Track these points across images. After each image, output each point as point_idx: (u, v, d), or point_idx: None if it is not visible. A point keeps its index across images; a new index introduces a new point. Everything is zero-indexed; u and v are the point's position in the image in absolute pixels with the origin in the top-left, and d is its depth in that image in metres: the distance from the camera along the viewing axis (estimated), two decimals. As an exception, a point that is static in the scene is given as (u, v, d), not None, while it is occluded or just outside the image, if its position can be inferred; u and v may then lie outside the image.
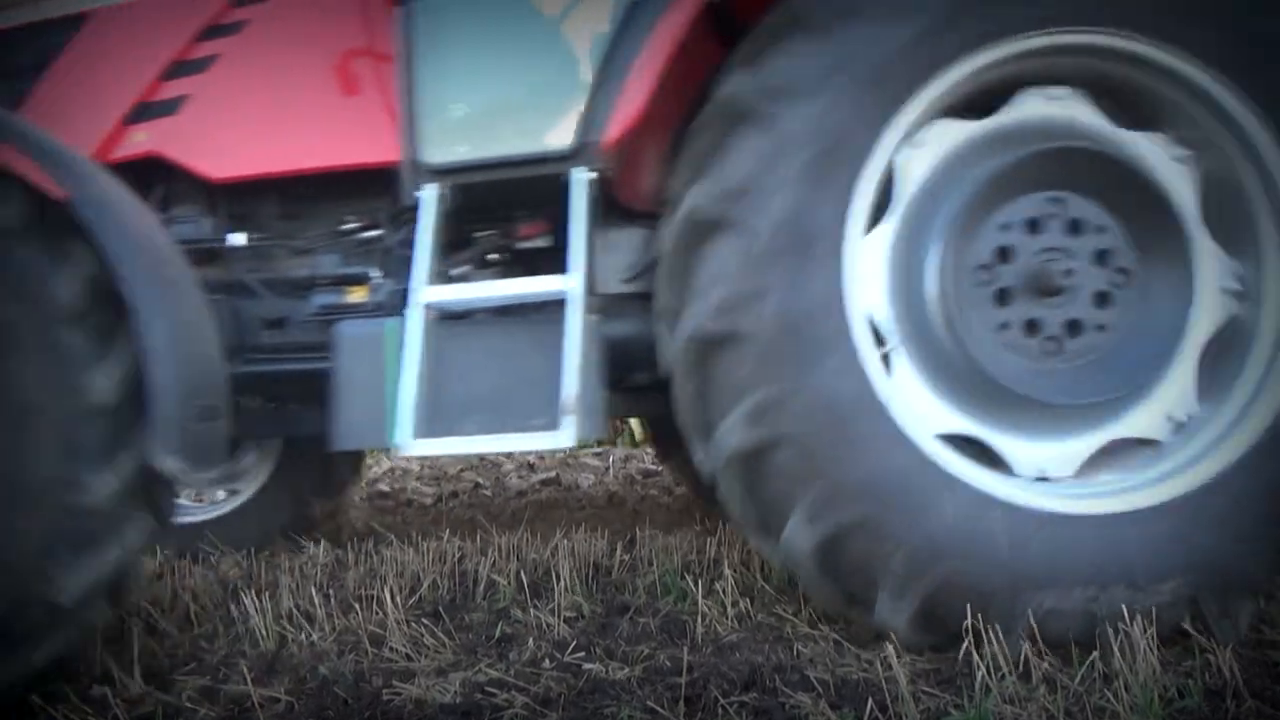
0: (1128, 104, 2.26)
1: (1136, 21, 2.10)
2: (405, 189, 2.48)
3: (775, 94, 2.09)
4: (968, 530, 2.04)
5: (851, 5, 2.10)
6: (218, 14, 2.70)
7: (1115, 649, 1.96)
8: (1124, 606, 2.03)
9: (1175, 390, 2.22)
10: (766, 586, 2.66)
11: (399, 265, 2.60)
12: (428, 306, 2.33)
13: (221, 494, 3.84)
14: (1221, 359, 2.23)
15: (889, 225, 2.22)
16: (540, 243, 2.69)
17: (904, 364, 2.21)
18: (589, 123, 2.35)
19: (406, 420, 2.23)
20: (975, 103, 2.26)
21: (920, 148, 2.22)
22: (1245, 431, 2.14)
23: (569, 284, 2.28)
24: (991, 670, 1.94)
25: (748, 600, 2.51)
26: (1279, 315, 2.16)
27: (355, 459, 4.22)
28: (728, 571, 2.65)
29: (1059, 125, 2.23)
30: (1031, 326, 2.14)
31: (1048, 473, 2.22)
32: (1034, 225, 2.14)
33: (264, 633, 2.42)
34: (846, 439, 2.04)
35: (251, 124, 2.63)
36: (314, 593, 2.63)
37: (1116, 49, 2.14)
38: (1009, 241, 2.14)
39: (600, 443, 6.41)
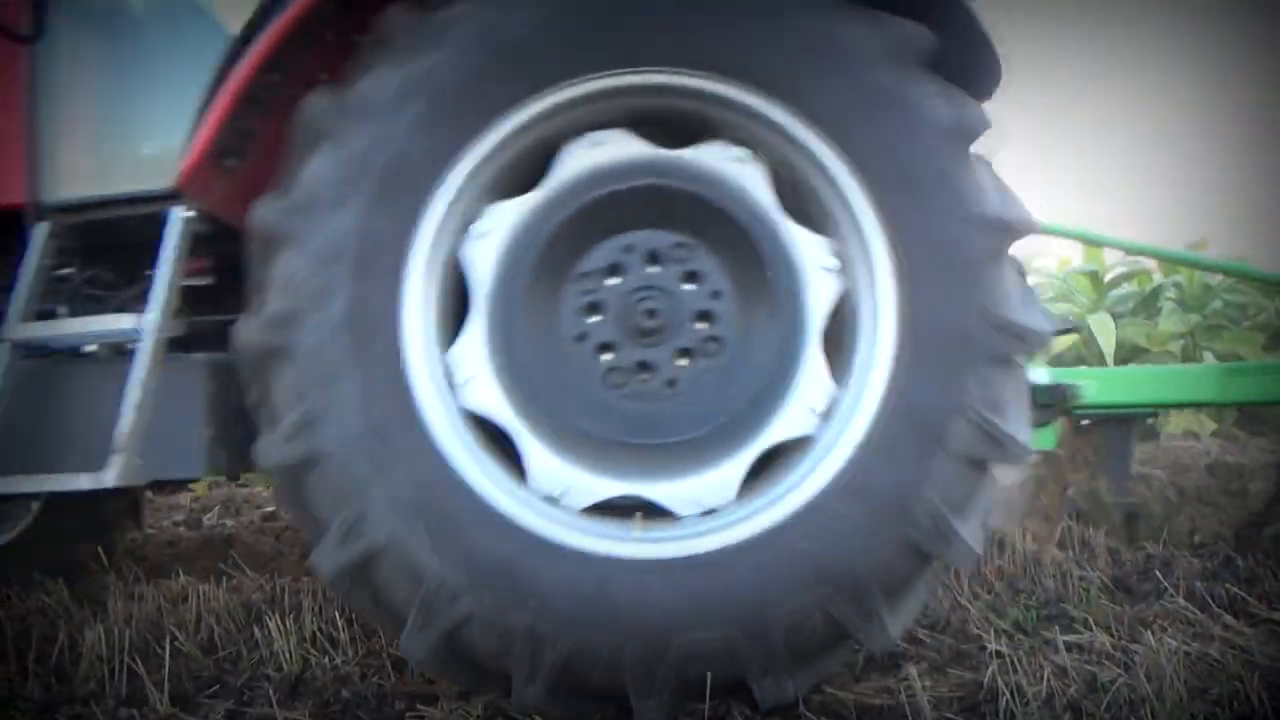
0: (676, 130, 2.14)
1: (680, 58, 1.99)
2: (27, 227, 2.51)
3: (304, 210, 1.96)
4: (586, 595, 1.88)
5: (361, 106, 1.97)
6: None
7: (1142, 674, 1.95)
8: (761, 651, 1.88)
9: (812, 380, 2.03)
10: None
11: (85, 303, 2.63)
12: (14, 343, 2.39)
13: None
14: (841, 339, 2.08)
15: (475, 327, 2.04)
16: (204, 280, 2.70)
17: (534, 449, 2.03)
18: (182, 160, 2.35)
19: None
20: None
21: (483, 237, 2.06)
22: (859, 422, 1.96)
23: (143, 323, 2.29)
24: (1015, 696, 1.93)
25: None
26: (871, 284, 2.00)
27: (133, 502, 3.95)
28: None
29: (612, 167, 2.09)
30: (645, 369, 2.07)
31: (708, 506, 2.02)
32: (615, 269, 2.08)
33: (287, 656, 2.43)
34: (443, 536, 1.89)
35: None
36: (337, 616, 2.64)
37: (659, 85, 2.03)
38: (598, 299, 2.08)
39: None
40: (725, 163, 2.06)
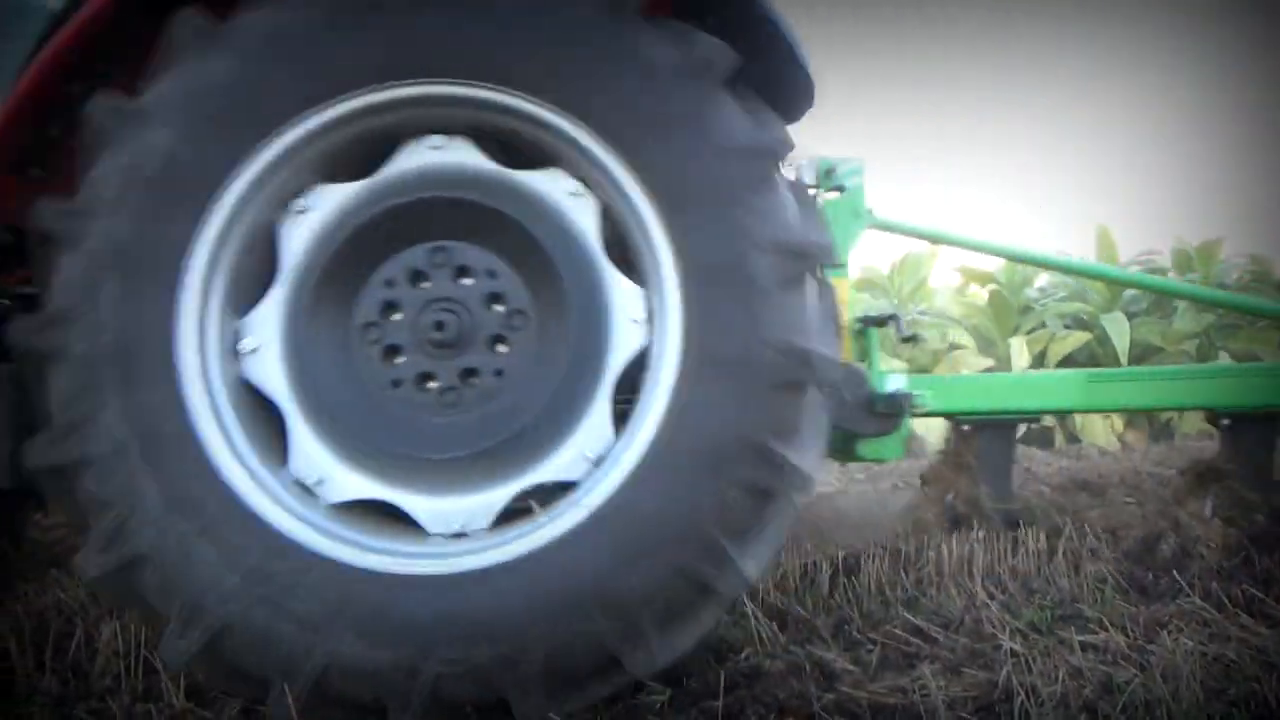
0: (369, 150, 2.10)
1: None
2: None
3: (61, 440, 1.93)
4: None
5: (58, 317, 1.93)
6: None
7: (1158, 675, 1.94)
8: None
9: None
10: (800, 610, 2.65)
11: None
12: None
13: None
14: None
15: (298, 434, 2.03)
16: (30, 289, 2.58)
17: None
18: None
19: None
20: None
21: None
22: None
23: None
24: (1030, 696, 1.92)
25: (776, 624, 2.51)
26: (624, 198, 1.98)
27: (11, 523, 3.71)
28: (760, 595, 2.64)
29: (332, 224, 2.05)
30: (470, 374, 2.05)
31: (596, 455, 2.01)
32: (391, 306, 2.06)
33: (302, 652, 2.44)
34: (374, 628, 1.89)
35: None
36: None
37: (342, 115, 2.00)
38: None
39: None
40: (428, 153, 2.04)
